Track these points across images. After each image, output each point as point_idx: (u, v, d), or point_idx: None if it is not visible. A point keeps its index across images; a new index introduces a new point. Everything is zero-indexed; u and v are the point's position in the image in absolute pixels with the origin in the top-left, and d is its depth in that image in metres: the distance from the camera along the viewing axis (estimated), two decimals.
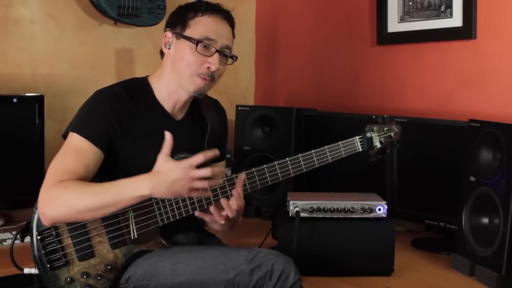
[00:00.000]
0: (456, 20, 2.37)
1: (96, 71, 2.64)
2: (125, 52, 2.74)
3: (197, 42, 1.73)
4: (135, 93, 1.78)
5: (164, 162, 1.59)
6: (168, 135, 1.62)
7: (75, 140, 1.68)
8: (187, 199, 1.72)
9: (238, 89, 3.15)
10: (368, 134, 1.88)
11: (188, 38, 1.75)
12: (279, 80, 3.14)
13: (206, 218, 1.75)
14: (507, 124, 1.84)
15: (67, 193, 1.60)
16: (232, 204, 1.70)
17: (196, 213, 1.70)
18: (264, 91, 3.22)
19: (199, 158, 1.59)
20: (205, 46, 1.74)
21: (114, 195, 1.60)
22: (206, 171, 1.58)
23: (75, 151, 1.67)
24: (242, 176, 1.74)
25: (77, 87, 2.56)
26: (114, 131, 1.71)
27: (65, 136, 1.74)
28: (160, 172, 1.58)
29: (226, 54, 1.79)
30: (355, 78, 2.77)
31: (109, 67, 2.69)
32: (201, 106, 1.90)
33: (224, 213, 1.71)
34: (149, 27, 2.65)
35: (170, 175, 1.57)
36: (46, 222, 1.64)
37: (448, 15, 2.39)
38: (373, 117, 1.91)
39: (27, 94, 2.39)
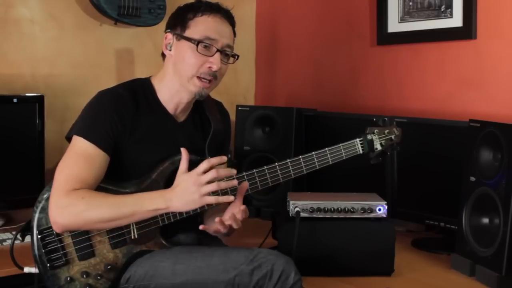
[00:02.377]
0: (456, 20, 2.37)
1: (96, 71, 2.64)
2: (125, 52, 2.74)
3: (197, 42, 1.73)
4: (137, 95, 1.77)
5: (178, 177, 1.66)
6: (184, 152, 1.68)
7: (83, 145, 1.67)
8: None
9: (238, 89, 3.15)
10: (369, 137, 1.88)
11: (189, 39, 1.74)
12: (279, 80, 3.14)
13: (210, 231, 1.75)
14: (507, 124, 1.84)
15: (83, 204, 1.61)
16: (239, 217, 1.69)
17: (201, 227, 1.69)
18: (264, 91, 3.22)
19: (203, 165, 1.63)
20: (205, 46, 1.73)
21: (130, 208, 1.63)
22: (211, 173, 1.62)
23: (85, 158, 1.66)
24: (245, 184, 1.72)
25: (77, 87, 2.56)
26: (119, 132, 1.71)
27: (68, 138, 1.73)
28: (174, 186, 1.65)
29: (227, 53, 1.78)
30: (355, 78, 2.78)
31: (109, 67, 2.69)
32: (205, 108, 1.89)
33: (228, 223, 1.69)
34: (149, 27, 2.66)
35: (181, 186, 1.63)
36: (58, 230, 1.65)
37: (448, 15, 2.39)
38: (374, 119, 1.91)
39: (27, 94, 2.39)
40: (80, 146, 1.68)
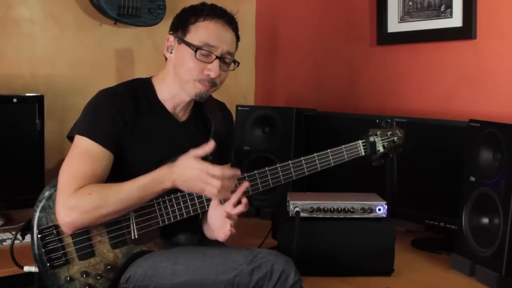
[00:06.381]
0: (456, 20, 2.37)
1: (96, 71, 2.65)
2: (125, 52, 2.74)
3: (196, 49, 1.71)
4: (138, 94, 1.77)
5: (187, 158, 1.65)
6: (211, 143, 1.67)
7: (86, 145, 1.67)
8: (188, 199, 1.72)
9: (238, 89, 3.15)
10: (371, 139, 1.87)
11: (188, 44, 1.72)
12: (279, 80, 3.14)
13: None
14: (507, 124, 1.84)
15: (91, 200, 1.61)
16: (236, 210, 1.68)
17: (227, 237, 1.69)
18: (264, 91, 3.22)
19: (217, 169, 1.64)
20: (204, 53, 1.71)
21: (138, 193, 1.64)
22: (218, 170, 1.62)
23: (89, 157, 1.66)
24: (246, 184, 1.71)
25: (77, 87, 2.56)
26: (121, 130, 1.71)
27: (70, 138, 1.73)
28: (178, 165, 1.65)
29: (226, 61, 1.76)
30: (355, 78, 2.78)
31: (109, 67, 2.69)
32: (205, 108, 1.89)
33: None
34: (149, 27, 2.66)
35: (184, 164, 1.64)
36: (69, 231, 1.65)
37: (448, 15, 2.39)
38: (377, 121, 1.90)
39: (27, 94, 2.39)
40: (83, 145, 1.67)
